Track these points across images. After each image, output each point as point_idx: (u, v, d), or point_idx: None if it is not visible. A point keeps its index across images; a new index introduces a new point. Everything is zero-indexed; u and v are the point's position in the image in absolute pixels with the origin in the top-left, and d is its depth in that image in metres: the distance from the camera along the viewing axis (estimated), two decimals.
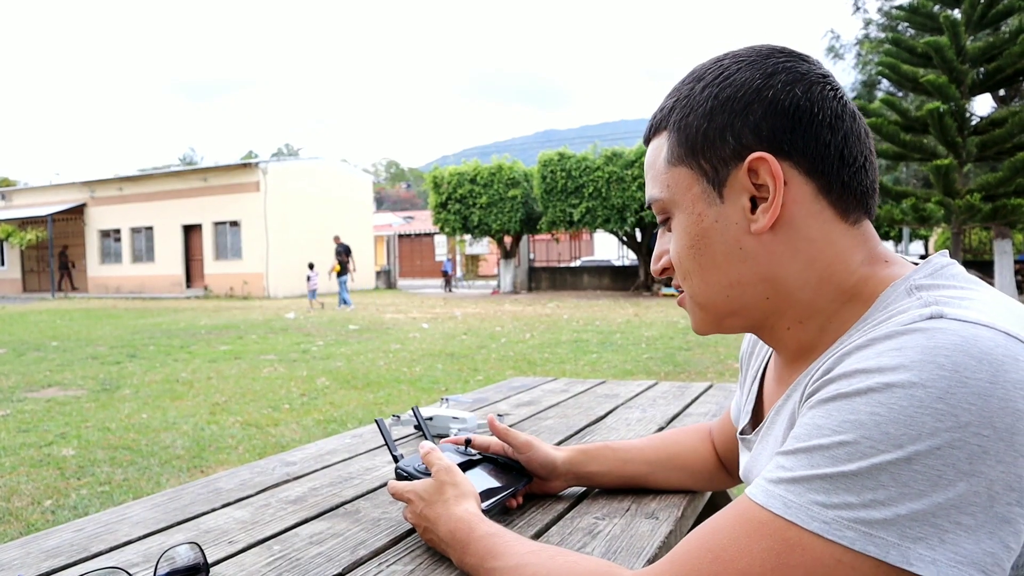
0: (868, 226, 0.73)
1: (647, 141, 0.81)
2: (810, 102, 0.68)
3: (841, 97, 0.70)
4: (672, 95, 0.77)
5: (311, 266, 18.48)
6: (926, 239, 20.43)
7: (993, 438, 0.51)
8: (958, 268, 0.67)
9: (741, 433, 0.89)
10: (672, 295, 20.35)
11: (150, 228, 26.23)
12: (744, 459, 0.87)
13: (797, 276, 0.70)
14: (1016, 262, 18.86)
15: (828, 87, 0.70)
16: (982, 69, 12.92)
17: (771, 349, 0.89)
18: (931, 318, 0.58)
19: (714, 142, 0.71)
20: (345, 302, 17.30)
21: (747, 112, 0.69)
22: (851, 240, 0.71)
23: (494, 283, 28.75)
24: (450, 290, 26.90)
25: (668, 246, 0.79)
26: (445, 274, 27.87)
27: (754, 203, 0.70)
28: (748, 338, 0.98)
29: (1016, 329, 0.56)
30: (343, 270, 17.73)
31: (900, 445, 0.52)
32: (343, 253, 17.87)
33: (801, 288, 0.71)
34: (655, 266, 0.82)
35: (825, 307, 0.71)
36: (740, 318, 0.76)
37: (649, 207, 0.81)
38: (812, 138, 0.68)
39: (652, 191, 0.78)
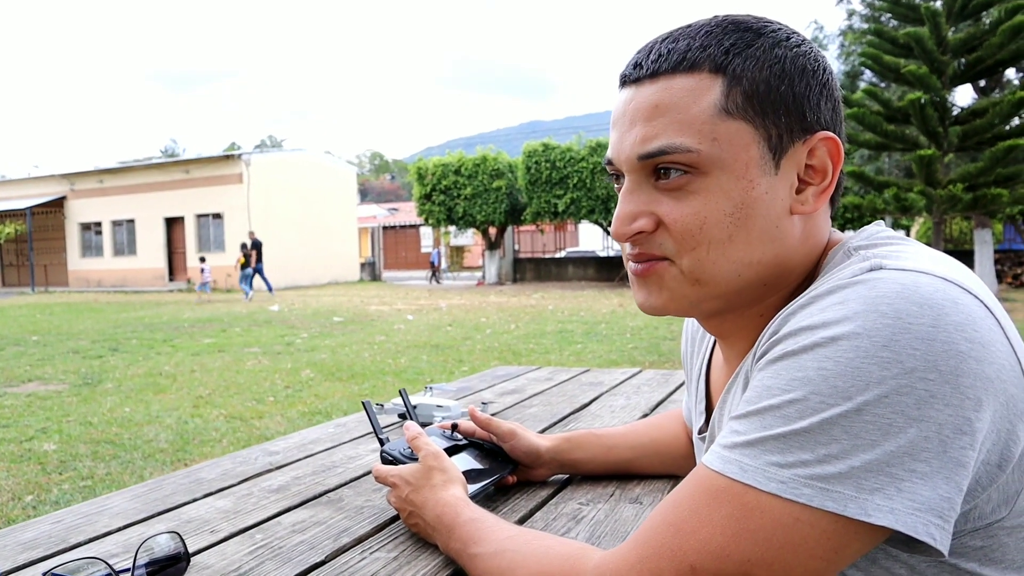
0: None
1: (658, 74, 0.66)
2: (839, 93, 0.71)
3: None
4: (713, 36, 0.66)
5: (203, 259, 19.59)
6: (908, 229, 20.61)
7: (939, 381, 0.52)
8: (891, 231, 0.68)
9: (699, 433, 0.87)
10: None
11: (131, 221, 25.96)
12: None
13: (800, 262, 0.69)
14: (996, 252, 19.08)
15: None
16: (963, 60, 13.01)
17: (711, 342, 0.88)
18: (871, 270, 0.58)
19: (789, 108, 0.66)
20: (246, 292, 18.42)
21: (820, 87, 0.67)
22: (827, 222, 0.72)
23: (479, 274, 28.73)
24: (438, 282, 26.82)
25: (648, 206, 0.67)
26: (433, 265, 27.78)
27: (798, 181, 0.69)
28: (687, 339, 0.97)
29: (952, 274, 0.57)
30: (247, 263, 18.63)
31: (849, 397, 0.53)
32: (248, 247, 18.78)
33: (796, 275, 0.69)
34: (627, 227, 0.68)
35: (797, 290, 0.70)
36: (726, 301, 0.70)
37: (648, 156, 0.66)
38: (842, 129, 0.70)
39: (678, 139, 0.65)
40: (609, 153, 0.71)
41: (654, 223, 0.67)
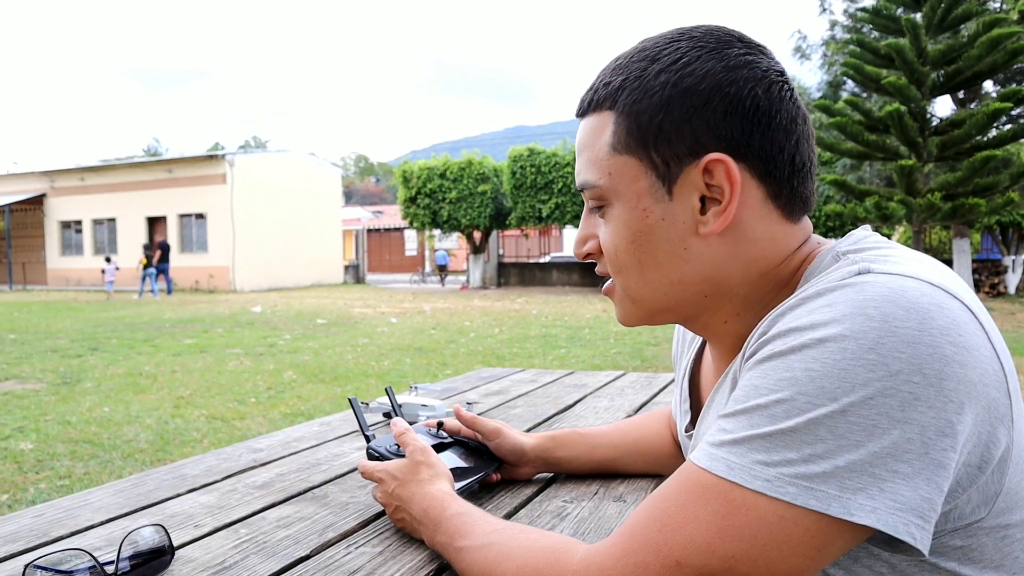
0: (806, 220, 0.74)
1: (582, 115, 0.75)
2: (769, 103, 0.67)
3: (796, 99, 0.70)
4: (618, 71, 0.71)
5: (108, 259, 20.51)
6: (888, 237, 20.79)
7: (923, 384, 0.53)
8: (878, 236, 0.69)
9: (684, 431, 0.88)
10: None
11: (113, 220, 25.69)
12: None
13: (739, 275, 0.70)
14: (974, 261, 19.32)
15: (786, 87, 0.69)
16: (942, 71, 13.19)
17: (699, 343, 0.90)
18: (859, 274, 0.59)
19: (670, 136, 0.67)
20: (152, 292, 20.02)
21: (707, 108, 0.66)
22: (793, 236, 0.71)
23: (463, 278, 28.72)
24: (442, 283, 27.23)
25: (596, 231, 0.75)
26: (443, 268, 28.39)
27: (702, 201, 0.68)
28: (677, 339, 0.99)
29: (938, 279, 0.58)
30: (149, 264, 19.85)
31: (835, 398, 0.53)
32: (150, 248, 20.16)
33: (741, 285, 0.71)
34: (579, 249, 0.77)
35: (763, 297, 0.71)
36: (674, 314, 0.75)
37: (580, 190, 0.74)
38: (768, 142, 0.67)
39: (588, 175, 0.72)
40: None
41: (599, 245, 0.75)
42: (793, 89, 0.70)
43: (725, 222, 0.67)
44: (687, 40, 0.69)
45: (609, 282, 0.77)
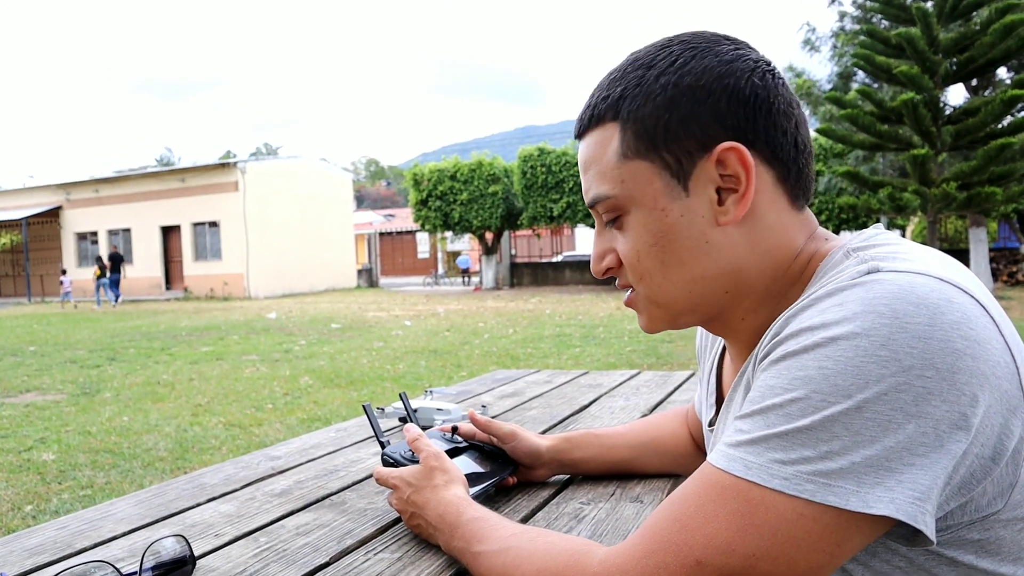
0: (809, 211, 0.75)
1: (582, 135, 0.76)
2: (766, 90, 0.69)
3: (787, 86, 0.72)
4: (615, 83, 0.73)
5: (64, 271, 22.20)
6: (903, 228, 20.67)
7: (936, 378, 0.53)
8: (889, 233, 0.70)
9: (709, 425, 0.89)
10: None
11: (128, 230, 25.94)
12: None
13: (756, 265, 0.71)
14: (991, 250, 19.14)
15: (777, 75, 0.72)
16: (954, 59, 13.07)
17: (722, 339, 0.90)
18: (868, 273, 0.60)
19: (678, 134, 0.69)
20: (110, 301, 21.23)
21: (711, 101, 0.68)
22: (800, 225, 0.73)
23: (476, 280, 28.79)
24: (467, 283, 27.69)
25: (610, 244, 0.76)
26: (466, 271, 29.57)
27: (718, 193, 0.69)
28: (701, 333, 0.99)
29: (948, 274, 0.59)
30: (103, 274, 21.07)
31: (849, 395, 0.54)
32: (103, 259, 21.52)
33: (759, 277, 0.72)
34: (598, 266, 0.77)
35: (777, 292, 0.72)
36: (696, 314, 0.75)
37: (592, 206, 0.75)
38: (772, 126, 0.69)
39: (600, 189, 0.73)
40: None
41: (616, 259, 0.76)
42: (783, 78, 0.73)
43: (744, 207, 0.69)
44: (678, 45, 0.71)
45: (630, 292, 0.77)
